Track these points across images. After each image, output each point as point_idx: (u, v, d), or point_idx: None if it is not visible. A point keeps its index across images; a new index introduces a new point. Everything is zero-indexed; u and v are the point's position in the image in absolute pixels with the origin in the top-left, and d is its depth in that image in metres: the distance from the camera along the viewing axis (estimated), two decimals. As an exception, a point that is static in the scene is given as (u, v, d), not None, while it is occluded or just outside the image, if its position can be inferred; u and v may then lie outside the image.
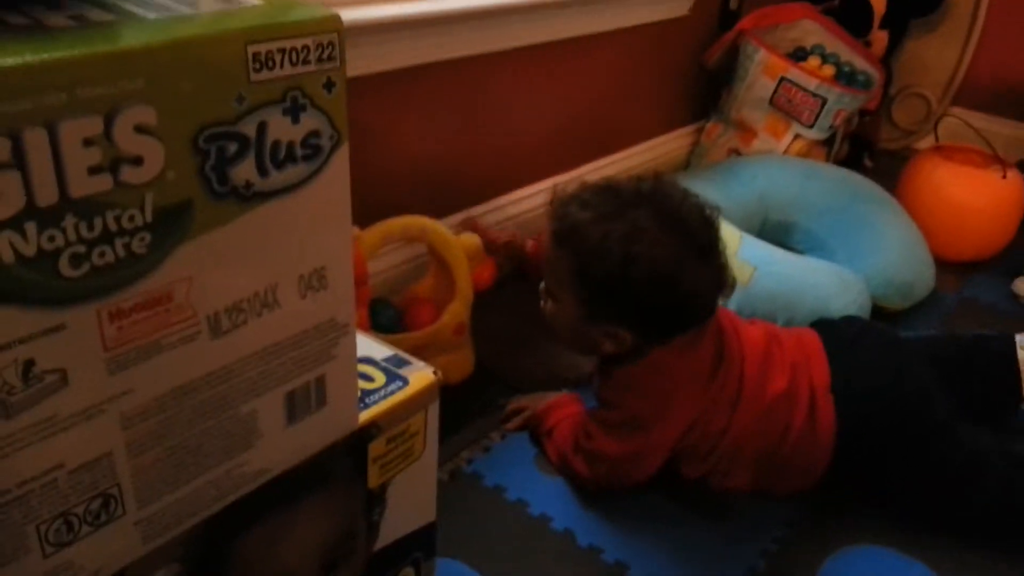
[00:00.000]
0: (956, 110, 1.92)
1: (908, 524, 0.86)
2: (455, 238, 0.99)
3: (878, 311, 1.24)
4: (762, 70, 1.51)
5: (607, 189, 0.84)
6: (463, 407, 0.98)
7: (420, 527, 0.67)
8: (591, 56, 1.36)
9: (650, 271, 0.79)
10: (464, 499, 0.85)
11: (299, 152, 0.44)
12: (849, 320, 1.00)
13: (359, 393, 0.58)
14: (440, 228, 0.98)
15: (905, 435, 0.84)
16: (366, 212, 0.96)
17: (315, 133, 0.44)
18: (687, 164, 1.69)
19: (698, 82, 1.65)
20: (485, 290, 1.03)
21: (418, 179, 1.14)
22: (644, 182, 0.85)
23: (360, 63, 0.99)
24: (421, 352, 0.95)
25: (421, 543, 0.68)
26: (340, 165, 0.46)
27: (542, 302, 0.91)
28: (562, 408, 0.93)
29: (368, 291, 0.89)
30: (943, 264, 1.42)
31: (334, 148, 0.46)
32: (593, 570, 0.78)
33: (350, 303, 0.51)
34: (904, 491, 0.86)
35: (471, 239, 1.00)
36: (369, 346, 0.64)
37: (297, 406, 0.50)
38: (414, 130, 1.12)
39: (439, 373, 0.63)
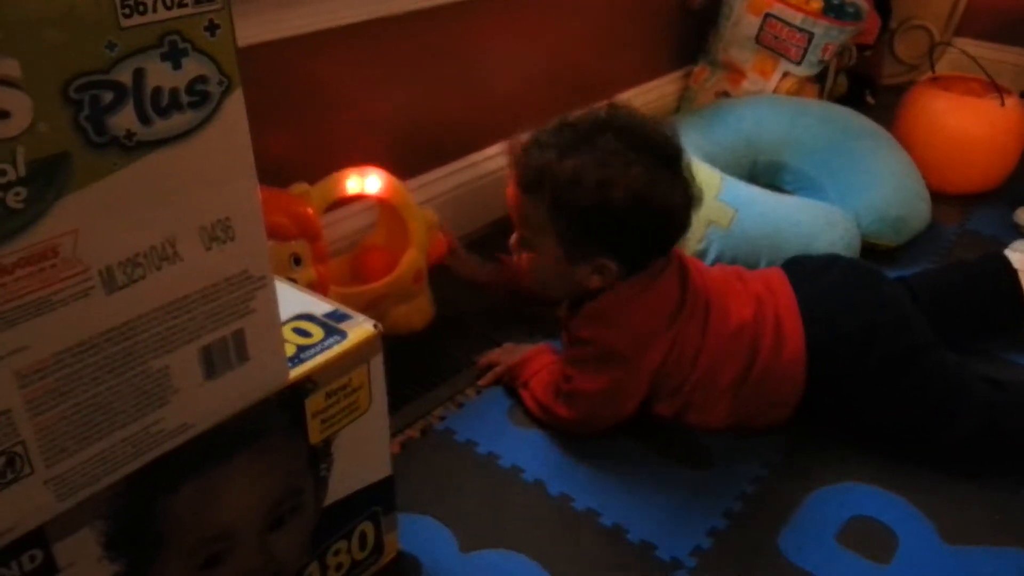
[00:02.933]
0: (960, 40, 1.84)
1: (889, 461, 0.84)
2: (405, 187, 0.98)
3: (871, 248, 1.21)
4: (746, 7, 1.46)
5: (562, 126, 0.83)
6: (433, 363, 0.98)
7: (375, 481, 0.67)
8: (571, 1, 1.32)
9: (627, 191, 0.79)
10: (435, 455, 0.84)
11: (185, 99, 0.43)
12: (819, 256, 0.98)
13: (294, 348, 0.58)
14: (390, 178, 0.96)
15: (877, 357, 0.83)
16: (329, 172, 0.95)
17: (201, 79, 0.43)
18: (677, 109, 1.65)
19: (684, 25, 1.60)
20: (436, 264, 1.02)
21: (384, 137, 1.12)
22: (599, 110, 0.84)
23: (320, 17, 0.97)
24: (382, 301, 0.96)
25: (378, 497, 0.68)
26: (234, 111, 0.45)
27: (514, 257, 0.89)
28: (537, 359, 0.92)
29: (324, 245, 0.88)
30: (945, 197, 1.38)
31: (225, 94, 0.45)
32: (563, 518, 0.78)
33: (263, 255, 0.50)
34: (881, 418, 0.84)
35: (426, 212, 1.00)
36: (309, 302, 0.64)
37: (215, 361, 0.49)
38: (380, 86, 1.10)
39: (380, 326, 0.62)
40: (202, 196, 0.45)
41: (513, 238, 0.89)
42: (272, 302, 0.52)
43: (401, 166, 1.07)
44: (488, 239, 1.27)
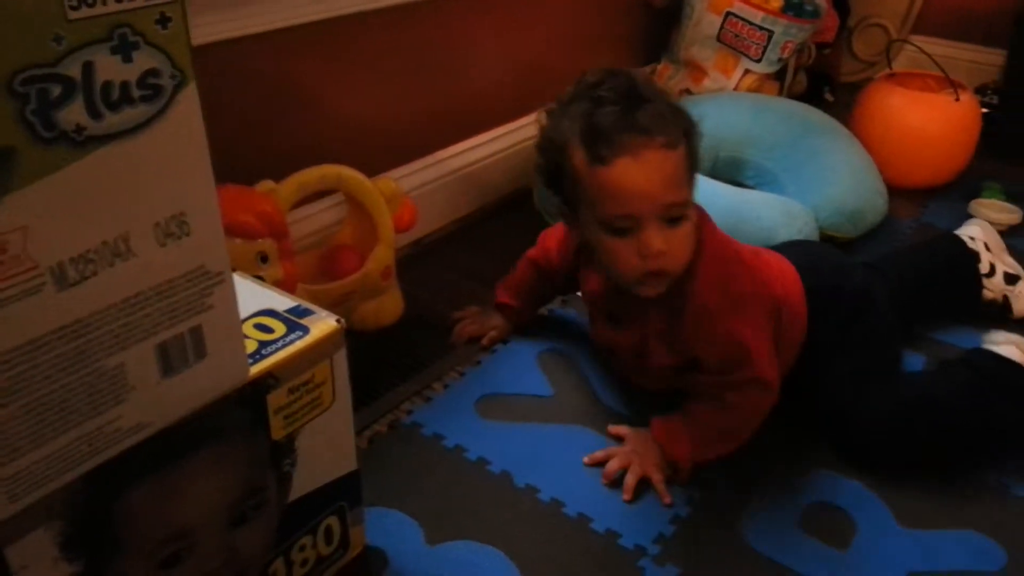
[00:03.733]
0: (917, 38, 1.88)
1: (849, 451, 0.86)
2: (372, 183, 0.97)
3: (829, 240, 1.24)
4: (707, 6, 1.48)
5: (588, 87, 0.78)
6: (401, 358, 0.98)
7: (340, 476, 0.66)
8: (538, 1, 1.33)
9: None
10: (402, 449, 0.84)
11: (136, 93, 0.42)
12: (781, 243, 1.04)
13: (255, 344, 0.58)
14: (356, 174, 0.96)
15: (845, 306, 0.89)
16: (297, 169, 0.94)
17: (153, 72, 0.43)
18: (641, 108, 1.66)
19: (648, 24, 1.61)
20: (407, 231, 1.03)
21: (351, 134, 1.12)
22: (586, 78, 0.81)
23: (291, 12, 0.97)
24: (350, 298, 0.96)
25: (344, 492, 0.67)
26: (188, 105, 0.45)
27: (664, 264, 0.77)
28: (667, 423, 0.83)
29: (290, 244, 0.88)
30: (902, 191, 1.41)
31: (178, 88, 0.44)
32: (529, 509, 0.78)
33: (221, 251, 0.50)
34: (835, 372, 0.87)
35: (388, 183, 0.99)
36: (271, 297, 0.63)
37: (172, 358, 0.49)
38: (347, 83, 1.09)
39: (342, 321, 0.62)
40: (156, 191, 0.45)
41: (658, 244, 0.75)
42: (231, 298, 0.52)
43: (369, 163, 1.07)
44: (455, 236, 1.28)
